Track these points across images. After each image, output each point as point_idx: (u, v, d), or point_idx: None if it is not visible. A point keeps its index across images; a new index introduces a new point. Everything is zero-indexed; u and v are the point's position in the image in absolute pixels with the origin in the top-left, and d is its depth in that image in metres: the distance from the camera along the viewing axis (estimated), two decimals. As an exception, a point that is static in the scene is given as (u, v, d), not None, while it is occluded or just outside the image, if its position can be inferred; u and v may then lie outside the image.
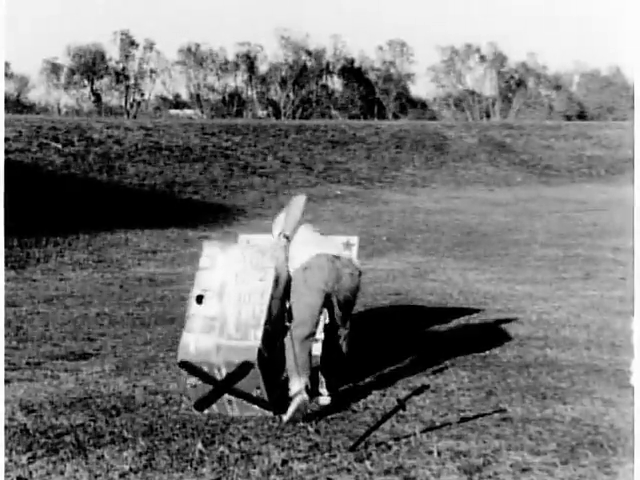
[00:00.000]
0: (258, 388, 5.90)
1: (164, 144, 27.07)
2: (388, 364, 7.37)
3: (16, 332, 8.84)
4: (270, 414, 5.90)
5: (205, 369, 5.91)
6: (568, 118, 68.63)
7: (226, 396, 5.96)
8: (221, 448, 5.24)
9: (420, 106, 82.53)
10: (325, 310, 6.26)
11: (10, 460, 5.02)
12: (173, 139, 27.83)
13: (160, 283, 12.59)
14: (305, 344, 6.03)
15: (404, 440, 5.41)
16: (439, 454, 5.16)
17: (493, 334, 8.87)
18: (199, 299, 6.10)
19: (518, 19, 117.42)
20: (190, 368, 5.93)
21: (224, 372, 5.89)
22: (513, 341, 8.53)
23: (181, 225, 18.37)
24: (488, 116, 77.63)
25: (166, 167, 25.25)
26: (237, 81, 79.33)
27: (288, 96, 77.65)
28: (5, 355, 7.25)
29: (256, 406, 5.93)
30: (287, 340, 6.02)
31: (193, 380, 5.97)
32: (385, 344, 8.22)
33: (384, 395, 6.38)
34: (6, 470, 4.86)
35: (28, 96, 77.71)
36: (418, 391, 5.85)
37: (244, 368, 5.85)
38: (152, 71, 78.74)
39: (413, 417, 5.87)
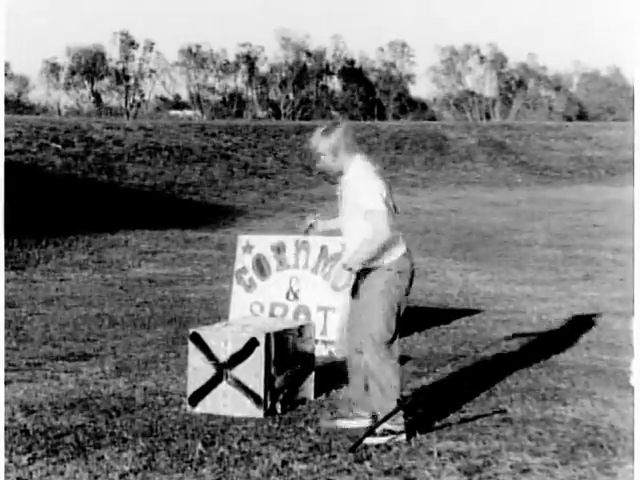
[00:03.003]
0: (257, 377, 5.94)
1: (164, 145, 27.07)
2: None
3: (16, 333, 8.84)
4: (260, 415, 5.92)
5: (213, 342, 6.02)
6: (568, 119, 68.65)
7: (222, 387, 6.00)
8: (221, 449, 5.24)
9: (420, 107, 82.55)
10: None
11: (10, 461, 5.01)
12: (173, 140, 27.83)
13: (160, 284, 12.59)
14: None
15: (404, 441, 5.40)
16: (439, 455, 5.16)
17: (493, 334, 8.87)
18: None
19: (518, 20, 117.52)
20: (199, 341, 6.06)
21: (230, 349, 5.99)
22: (513, 341, 8.53)
23: (181, 226, 18.37)
24: (488, 117, 77.64)
25: (166, 168, 25.26)
26: (237, 82, 79.38)
27: (288, 97, 77.65)
28: (5, 356, 7.25)
29: (249, 402, 5.95)
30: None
31: (196, 360, 6.06)
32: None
33: (384, 396, 6.37)
34: (6, 471, 4.86)
35: (28, 97, 77.76)
36: (418, 392, 5.84)
37: (250, 346, 5.97)
38: (152, 72, 78.77)
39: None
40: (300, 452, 5.20)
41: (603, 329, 9.12)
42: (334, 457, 5.12)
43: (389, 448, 5.28)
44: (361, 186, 5.52)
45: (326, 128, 5.64)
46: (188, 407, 6.08)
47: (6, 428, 5.51)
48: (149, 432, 5.56)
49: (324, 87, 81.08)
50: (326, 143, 5.56)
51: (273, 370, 6.05)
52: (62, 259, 14.69)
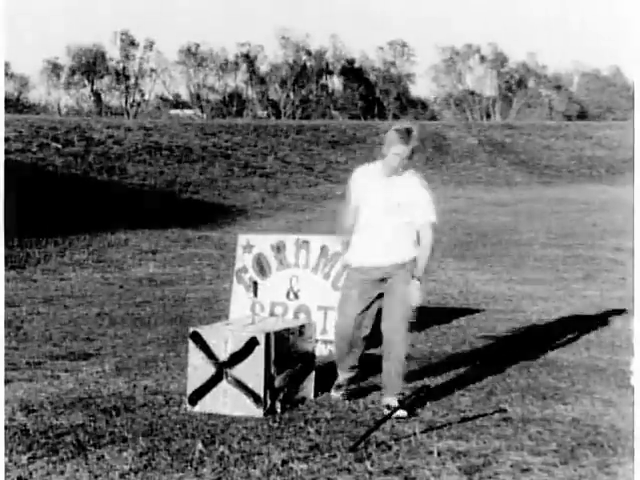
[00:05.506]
0: (257, 376, 5.95)
1: (164, 144, 27.07)
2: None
3: (16, 332, 8.84)
4: (259, 414, 5.92)
5: (213, 341, 6.03)
6: (568, 118, 68.64)
7: (222, 386, 6.01)
8: (221, 448, 5.24)
9: (420, 106, 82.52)
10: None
11: (10, 460, 5.01)
12: (173, 139, 27.83)
13: (160, 283, 12.60)
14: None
15: (404, 440, 5.41)
16: (439, 454, 5.16)
17: (493, 334, 8.87)
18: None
19: (518, 19, 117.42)
20: (199, 340, 6.07)
21: (230, 348, 6.00)
22: (513, 341, 8.53)
23: (181, 225, 18.37)
24: (488, 116, 77.64)
25: (166, 167, 25.26)
26: (237, 81, 79.36)
27: (288, 96, 77.64)
28: (5, 355, 7.24)
29: (249, 402, 5.96)
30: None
31: (196, 359, 6.07)
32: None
33: (384, 395, 6.37)
34: (6, 470, 4.86)
35: (28, 96, 77.72)
36: (418, 391, 5.85)
37: (250, 346, 5.97)
38: (152, 71, 78.75)
39: (413, 417, 5.87)
40: (300, 451, 5.20)
41: (603, 328, 9.12)
42: (334, 456, 5.12)
43: (389, 447, 5.28)
44: None
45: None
46: (188, 406, 6.08)
47: (6, 427, 5.51)
48: (149, 431, 5.56)
49: (324, 86, 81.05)
50: None
51: (273, 369, 6.06)
52: (62, 258, 14.69)
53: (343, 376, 6.38)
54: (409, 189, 5.97)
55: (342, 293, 6.27)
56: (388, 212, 5.94)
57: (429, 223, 5.96)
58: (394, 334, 6.02)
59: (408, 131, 5.93)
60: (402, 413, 5.79)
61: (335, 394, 6.38)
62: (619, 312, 9.79)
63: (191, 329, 6.23)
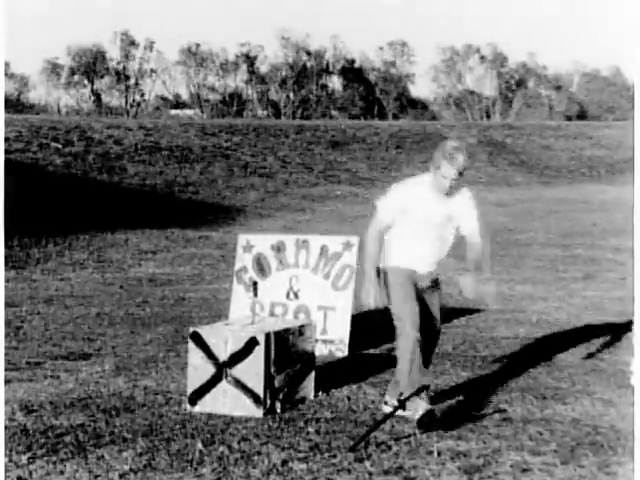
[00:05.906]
0: (256, 376, 5.96)
1: (164, 144, 27.07)
2: (388, 365, 7.37)
3: (16, 332, 8.84)
4: (259, 415, 5.92)
5: (213, 341, 6.03)
6: (568, 118, 68.65)
7: (222, 386, 6.01)
8: (221, 448, 5.24)
9: (420, 106, 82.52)
10: None
11: (10, 460, 5.01)
12: (173, 139, 27.83)
13: (160, 283, 12.59)
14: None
15: (404, 440, 5.41)
16: (439, 454, 5.16)
17: (493, 334, 8.87)
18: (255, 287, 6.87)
19: (518, 19, 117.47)
20: (199, 340, 6.08)
21: (230, 348, 6.01)
22: (513, 341, 8.53)
23: (181, 225, 18.37)
24: (488, 116, 77.64)
25: (166, 167, 25.25)
26: (237, 81, 79.37)
27: (288, 96, 77.64)
28: (5, 355, 7.24)
29: (248, 401, 5.96)
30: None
31: (196, 359, 6.08)
32: (385, 345, 8.21)
33: (384, 395, 6.37)
34: (6, 470, 4.86)
35: (28, 96, 77.73)
36: (418, 391, 5.84)
37: (250, 346, 5.99)
38: (152, 71, 78.76)
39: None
40: (300, 451, 5.20)
41: (603, 329, 9.12)
42: (334, 456, 5.12)
43: (389, 447, 5.28)
44: None
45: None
46: (188, 406, 6.08)
47: (6, 427, 5.51)
48: (149, 431, 5.56)
49: (324, 86, 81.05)
50: None
51: (273, 369, 6.06)
52: (62, 258, 14.69)
53: (416, 391, 5.73)
54: (460, 210, 6.13)
55: (397, 297, 5.87)
56: (435, 228, 5.95)
57: (477, 229, 6.08)
58: (428, 347, 6.09)
59: (456, 151, 5.97)
60: (403, 412, 5.78)
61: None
62: (619, 312, 9.79)
63: (191, 329, 6.24)
